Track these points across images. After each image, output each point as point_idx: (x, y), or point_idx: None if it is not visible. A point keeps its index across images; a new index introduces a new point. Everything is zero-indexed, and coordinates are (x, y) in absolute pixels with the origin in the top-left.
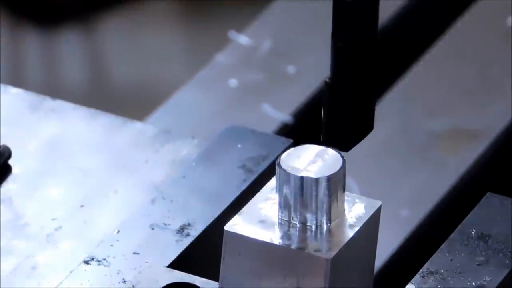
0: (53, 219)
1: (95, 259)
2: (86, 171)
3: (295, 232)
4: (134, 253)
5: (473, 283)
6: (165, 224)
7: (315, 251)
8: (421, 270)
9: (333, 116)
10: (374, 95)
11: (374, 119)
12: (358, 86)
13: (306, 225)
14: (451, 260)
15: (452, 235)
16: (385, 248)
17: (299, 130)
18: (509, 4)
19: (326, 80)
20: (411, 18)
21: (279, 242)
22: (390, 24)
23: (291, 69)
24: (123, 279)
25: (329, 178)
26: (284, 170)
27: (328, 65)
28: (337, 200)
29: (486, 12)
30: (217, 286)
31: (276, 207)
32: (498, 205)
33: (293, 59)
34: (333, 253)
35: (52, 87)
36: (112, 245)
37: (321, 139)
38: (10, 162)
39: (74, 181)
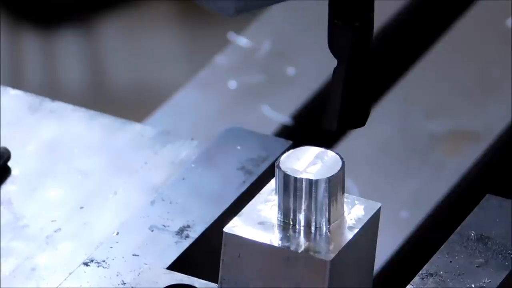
0: (52, 221)
1: (94, 261)
2: (86, 173)
3: (294, 234)
4: (133, 255)
5: (473, 285)
6: (164, 226)
7: (315, 253)
8: (420, 272)
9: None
10: (374, 75)
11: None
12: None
13: (305, 227)
14: (451, 261)
15: (451, 237)
16: (385, 249)
17: (299, 132)
18: (509, 5)
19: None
20: (411, 19)
21: (279, 244)
22: (390, 24)
23: (290, 70)
24: (122, 281)
25: (329, 180)
26: (284, 171)
27: (328, 66)
28: (337, 202)
29: (485, 13)
30: None
31: (275, 208)
32: (497, 207)
33: (293, 60)
34: (332, 255)
35: (51, 89)
36: (111, 247)
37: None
38: (10, 163)
39: (74, 183)
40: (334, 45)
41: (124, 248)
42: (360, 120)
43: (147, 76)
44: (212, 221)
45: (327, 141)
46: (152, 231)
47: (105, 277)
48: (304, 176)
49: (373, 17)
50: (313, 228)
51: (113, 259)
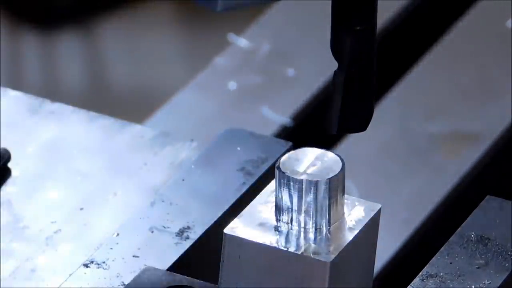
0: (52, 222)
1: (94, 262)
2: (85, 174)
3: (294, 235)
4: (133, 256)
5: (473, 286)
6: (164, 227)
7: (315, 254)
8: (420, 273)
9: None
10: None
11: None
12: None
13: (305, 228)
14: (451, 263)
15: (451, 238)
16: (385, 251)
17: (299, 133)
18: (509, 5)
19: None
20: (410, 20)
21: (279, 245)
22: (389, 26)
23: (290, 71)
24: (123, 282)
25: (329, 181)
26: (284, 173)
27: (328, 67)
28: (337, 203)
29: (485, 14)
30: None
31: (275, 210)
32: (498, 208)
33: (293, 61)
34: (332, 256)
35: (51, 90)
36: (111, 248)
37: (333, 127)
38: (10, 165)
39: (73, 184)
40: (335, 49)
41: (124, 249)
42: (361, 125)
43: (146, 77)
44: (212, 222)
45: (327, 142)
46: (152, 232)
47: (105, 278)
48: (304, 177)
49: (376, 21)
50: (313, 229)
51: (113, 260)
